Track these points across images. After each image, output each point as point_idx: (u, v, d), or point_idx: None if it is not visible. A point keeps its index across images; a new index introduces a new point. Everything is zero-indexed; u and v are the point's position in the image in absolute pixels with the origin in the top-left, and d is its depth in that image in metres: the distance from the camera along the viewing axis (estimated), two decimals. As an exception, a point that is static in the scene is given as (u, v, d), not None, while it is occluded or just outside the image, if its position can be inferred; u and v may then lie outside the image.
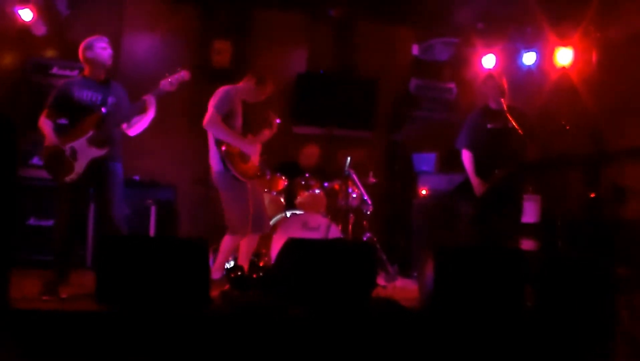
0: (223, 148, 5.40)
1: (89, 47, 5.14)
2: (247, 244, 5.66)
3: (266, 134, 5.79)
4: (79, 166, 4.96)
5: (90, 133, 4.99)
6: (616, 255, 5.95)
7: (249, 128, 5.74)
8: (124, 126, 5.25)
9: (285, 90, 7.97)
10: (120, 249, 4.27)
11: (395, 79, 8.77)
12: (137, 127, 5.26)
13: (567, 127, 6.09)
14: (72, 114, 5.06)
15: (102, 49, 5.14)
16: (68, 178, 4.94)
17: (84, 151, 4.98)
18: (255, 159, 5.67)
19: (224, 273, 5.45)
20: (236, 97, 5.58)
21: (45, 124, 5.02)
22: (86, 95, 5.09)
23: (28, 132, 6.25)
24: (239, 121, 5.58)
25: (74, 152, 4.96)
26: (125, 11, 7.97)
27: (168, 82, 5.17)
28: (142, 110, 5.18)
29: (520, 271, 4.75)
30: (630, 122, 6.84)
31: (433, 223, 7.38)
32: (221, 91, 5.52)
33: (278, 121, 5.86)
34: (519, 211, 6.05)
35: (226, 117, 5.46)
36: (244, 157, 5.54)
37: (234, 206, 5.51)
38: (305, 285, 4.49)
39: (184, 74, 5.23)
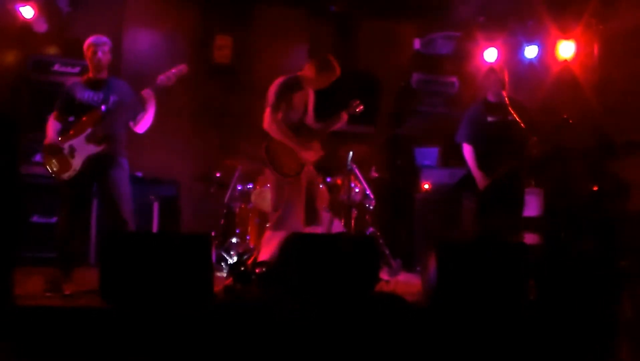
0: (264, 144, 5.41)
1: (87, 46, 5.18)
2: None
3: (336, 123, 5.72)
4: (76, 163, 5.00)
5: (89, 131, 5.02)
6: (619, 248, 5.95)
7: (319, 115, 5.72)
8: (131, 123, 5.27)
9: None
10: (124, 245, 4.27)
11: (396, 74, 8.76)
12: (142, 123, 5.28)
13: (570, 121, 6.07)
14: (77, 114, 5.10)
15: (93, 53, 5.14)
16: (66, 175, 4.99)
17: (82, 148, 5.01)
18: (309, 156, 5.55)
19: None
20: (293, 87, 5.47)
21: (51, 125, 5.11)
22: (87, 95, 5.13)
23: (31, 129, 6.28)
24: (295, 114, 5.50)
25: (72, 149, 5.00)
26: (127, 8, 7.98)
27: (165, 77, 5.18)
28: (142, 105, 5.19)
29: (523, 265, 4.74)
30: (633, 115, 6.83)
31: (435, 217, 7.39)
32: (274, 84, 5.45)
33: (359, 109, 5.80)
34: (520, 204, 6.05)
35: (280, 110, 5.40)
36: (291, 155, 5.47)
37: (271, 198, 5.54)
38: (308, 280, 4.49)
39: (181, 68, 5.24)
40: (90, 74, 5.22)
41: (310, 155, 5.52)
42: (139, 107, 5.21)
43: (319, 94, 5.81)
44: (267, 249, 5.45)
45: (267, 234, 5.53)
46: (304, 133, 5.58)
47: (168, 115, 7.03)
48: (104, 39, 5.20)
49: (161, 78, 5.18)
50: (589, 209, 6.91)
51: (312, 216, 5.58)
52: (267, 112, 5.36)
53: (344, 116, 5.73)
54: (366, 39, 8.75)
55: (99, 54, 5.14)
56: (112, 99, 5.14)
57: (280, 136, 5.37)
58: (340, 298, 4.43)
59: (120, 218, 5.07)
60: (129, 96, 5.23)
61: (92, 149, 5.02)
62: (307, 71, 5.57)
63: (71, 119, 5.14)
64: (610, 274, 4.83)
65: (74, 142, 5.02)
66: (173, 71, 5.21)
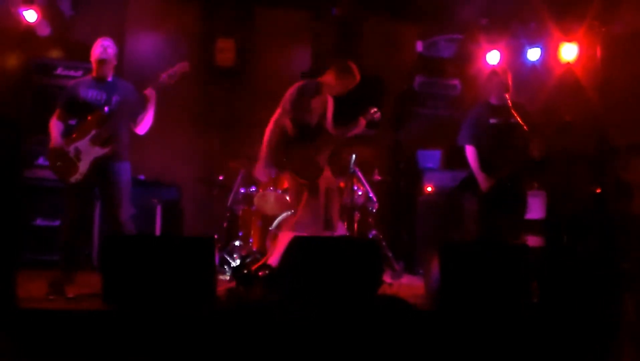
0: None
1: (95, 46, 5.18)
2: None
3: (354, 129, 5.76)
4: (83, 166, 4.98)
5: (93, 132, 5.02)
6: (621, 250, 5.94)
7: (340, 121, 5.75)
8: (131, 125, 5.28)
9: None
10: (126, 248, 4.28)
11: (399, 77, 8.76)
12: (143, 124, 5.29)
13: (573, 123, 6.07)
14: (80, 114, 5.10)
15: (100, 46, 5.15)
16: (73, 178, 4.97)
17: (88, 151, 5.00)
18: (321, 160, 5.55)
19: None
20: (311, 93, 5.51)
21: (54, 126, 5.09)
22: (91, 95, 5.12)
23: (33, 132, 6.29)
24: (313, 118, 5.52)
25: (78, 152, 4.99)
26: (129, 11, 7.99)
27: (167, 75, 5.19)
28: (144, 105, 5.21)
29: (526, 267, 4.74)
30: (635, 117, 6.82)
31: (438, 219, 7.38)
32: (292, 88, 5.49)
33: (377, 116, 5.83)
34: (523, 206, 6.04)
35: (298, 114, 5.44)
36: (309, 159, 5.49)
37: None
38: (311, 283, 4.49)
39: (183, 66, 5.25)
40: (95, 74, 5.23)
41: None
42: (141, 108, 5.23)
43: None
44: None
45: (285, 235, 5.53)
46: (323, 138, 5.60)
47: (171, 118, 7.06)
48: (108, 39, 5.23)
49: (163, 76, 5.20)
50: (591, 211, 6.91)
51: (327, 222, 5.59)
52: (277, 111, 5.40)
53: (362, 122, 5.77)
54: (369, 42, 8.75)
55: (101, 49, 5.15)
56: (115, 99, 5.14)
57: (267, 139, 5.39)
58: (343, 301, 4.42)
59: (118, 221, 5.07)
60: (132, 97, 5.24)
61: (98, 151, 5.02)
62: (327, 76, 5.60)
63: (73, 121, 5.15)
64: (612, 276, 4.82)
65: (79, 145, 5.01)
66: (175, 68, 5.23)
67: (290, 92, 5.46)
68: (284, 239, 5.47)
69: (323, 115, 5.64)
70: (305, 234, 5.43)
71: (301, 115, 5.44)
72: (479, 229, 5.93)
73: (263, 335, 4.02)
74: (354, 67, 5.57)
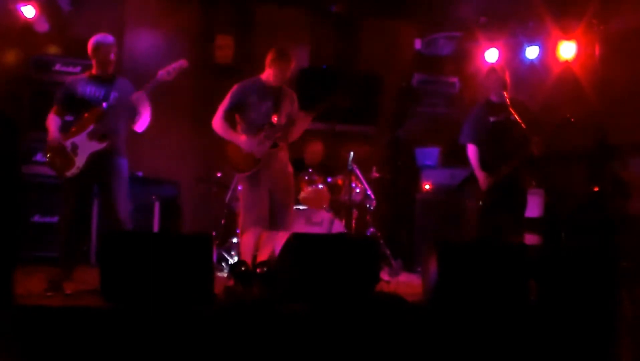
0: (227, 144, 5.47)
1: (95, 45, 5.17)
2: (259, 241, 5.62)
3: (299, 123, 5.70)
4: (80, 161, 4.99)
5: (91, 128, 5.02)
6: (620, 249, 5.95)
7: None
8: (130, 121, 5.27)
9: (288, 85, 7.98)
10: (125, 245, 4.28)
11: (398, 74, 8.77)
12: (141, 122, 5.28)
13: (572, 120, 6.05)
14: (77, 110, 5.11)
15: (106, 50, 5.15)
16: (69, 173, 4.98)
17: (85, 145, 5.01)
18: (258, 152, 5.45)
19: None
20: (250, 89, 5.52)
21: (51, 121, 5.10)
22: (89, 91, 5.13)
23: (32, 129, 6.29)
24: (253, 114, 5.48)
25: (75, 147, 5.00)
26: (128, 7, 7.98)
27: (165, 72, 5.16)
28: (136, 108, 5.20)
29: (523, 265, 4.74)
30: (634, 116, 6.83)
31: (436, 217, 7.39)
32: (233, 87, 5.54)
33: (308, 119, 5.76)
34: (523, 205, 6.04)
35: (238, 111, 5.48)
36: (239, 150, 5.47)
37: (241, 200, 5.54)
38: (308, 280, 4.49)
39: (181, 63, 5.23)
40: (94, 71, 5.22)
41: (251, 147, 5.41)
42: (136, 106, 5.22)
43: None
44: (265, 250, 5.50)
45: (264, 235, 5.51)
46: (266, 130, 5.49)
47: (169, 115, 7.06)
48: (112, 39, 5.22)
49: (161, 73, 5.17)
50: (589, 209, 6.91)
51: (275, 219, 5.48)
52: (218, 111, 5.46)
53: (308, 116, 5.69)
54: (367, 39, 8.76)
55: (111, 55, 5.16)
56: (113, 95, 5.14)
57: (220, 131, 5.46)
58: (340, 299, 4.43)
59: (116, 217, 5.07)
60: (131, 94, 5.24)
61: (95, 146, 5.03)
62: (265, 70, 5.61)
63: (70, 117, 5.15)
64: (610, 274, 4.83)
65: (77, 140, 5.02)
66: (173, 65, 5.20)
67: (231, 91, 5.52)
68: (244, 240, 5.48)
69: (273, 109, 5.55)
70: (252, 233, 5.40)
71: (242, 112, 5.48)
72: (479, 228, 5.94)
73: (261, 332, 4.03)
74: (286, 50, 5.62)
